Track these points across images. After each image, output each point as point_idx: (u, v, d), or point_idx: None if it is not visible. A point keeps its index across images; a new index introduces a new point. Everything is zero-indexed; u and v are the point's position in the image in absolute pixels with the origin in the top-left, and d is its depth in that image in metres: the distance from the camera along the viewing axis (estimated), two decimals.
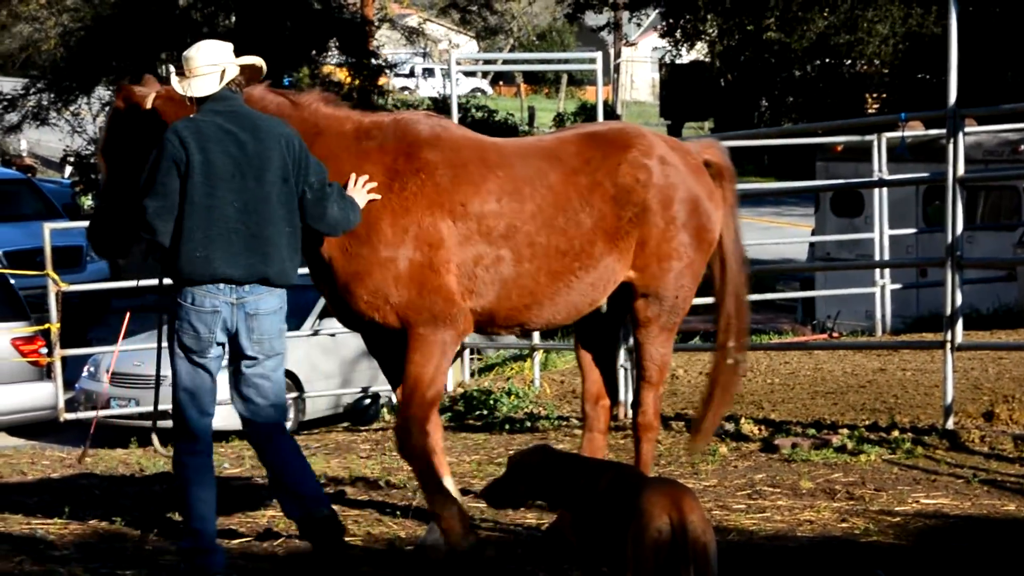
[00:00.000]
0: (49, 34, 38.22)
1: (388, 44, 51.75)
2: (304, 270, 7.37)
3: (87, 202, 34.73)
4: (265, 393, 6.94)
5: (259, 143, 6.76)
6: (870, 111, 41.86)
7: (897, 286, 16.48)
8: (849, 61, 41.47)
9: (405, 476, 9.43)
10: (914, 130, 16.25)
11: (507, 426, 11.41)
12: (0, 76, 43.72)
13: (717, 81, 46.66)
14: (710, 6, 38.02)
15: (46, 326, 13.90)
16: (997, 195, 19.03)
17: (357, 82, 38.88)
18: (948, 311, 10.11)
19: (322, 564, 7.12)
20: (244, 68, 6.99)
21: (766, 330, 18.02)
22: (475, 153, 7.30)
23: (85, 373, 17.68)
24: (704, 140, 8.11)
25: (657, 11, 46.59)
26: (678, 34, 42.10)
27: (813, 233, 21.57)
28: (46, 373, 15.42)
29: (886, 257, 16.00)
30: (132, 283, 10.38)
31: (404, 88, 62.47)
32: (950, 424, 10.06)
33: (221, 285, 6.73)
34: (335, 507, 8.24)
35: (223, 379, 6.97)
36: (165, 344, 7.02)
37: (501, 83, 73.44)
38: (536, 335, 13.09)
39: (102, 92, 35.76)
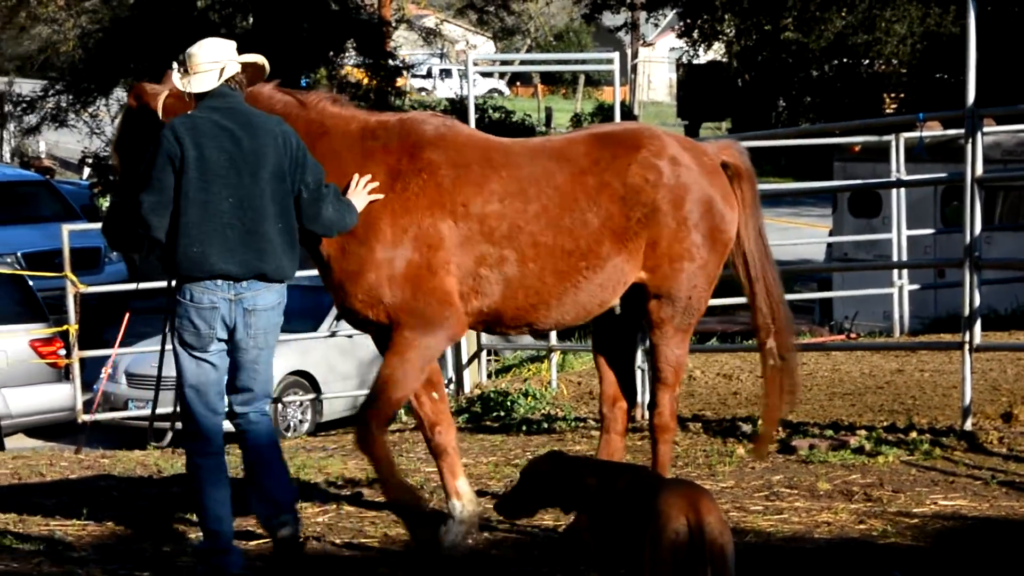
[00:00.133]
0: (68, 36, 38.34)
1: (405, 45, 51.82)
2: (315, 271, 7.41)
3: (105, 204, 34.81)
4: (255, 383, 7.00)
5: (254, 140, 6.79)
6: (888, 111, 41.75)
7: (915, 287, 16.45)
8: (867, 61, 41.35)
9: (422, 478, 9.44)
10: (932, 130, 16.20)
11: (524, 427, 11.41)
12: (19, 78, 43.87)
13: (734, 81, 46.59)
14: (727, 6, 37.94)
15: (64, 328, 13.94)
16: (1016, 195, 18.97)
17: (374, 83, 38.92)
18: (966, 312, 10.09)
19: (340, 565, 7.13)
20: (247, 66, 7.02)
21: None
22: (480, 153, 7.31)
23: (102, 375, 17.73)
24: (723, 141, 8.09)
25: (674, 11, 46.50)
26: (695, 34, 42.00)
27: (831, 234, 21.54)
28: (64, 375, 15.46)
29: (904, 258, 15.96)
30: (133, 286, 10.39)
31: (422, 89, 62.54)
32: (968, 425, 10.03)
33: (219, 281, 6.77)
34: (352, 508, 8.27)
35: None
36: (169, 347, 7.06)
37: (518, 84, 73.45)
38: (553, 336, 13.09)
39: (120, 94, 35.83)
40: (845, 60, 41.31)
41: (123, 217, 7.15)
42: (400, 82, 41.05)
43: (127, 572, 7.10)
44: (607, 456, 7.70)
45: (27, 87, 40.76)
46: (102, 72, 34.64)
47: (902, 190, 15.93)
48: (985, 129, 10.47)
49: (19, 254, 23.03)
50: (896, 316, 15.93)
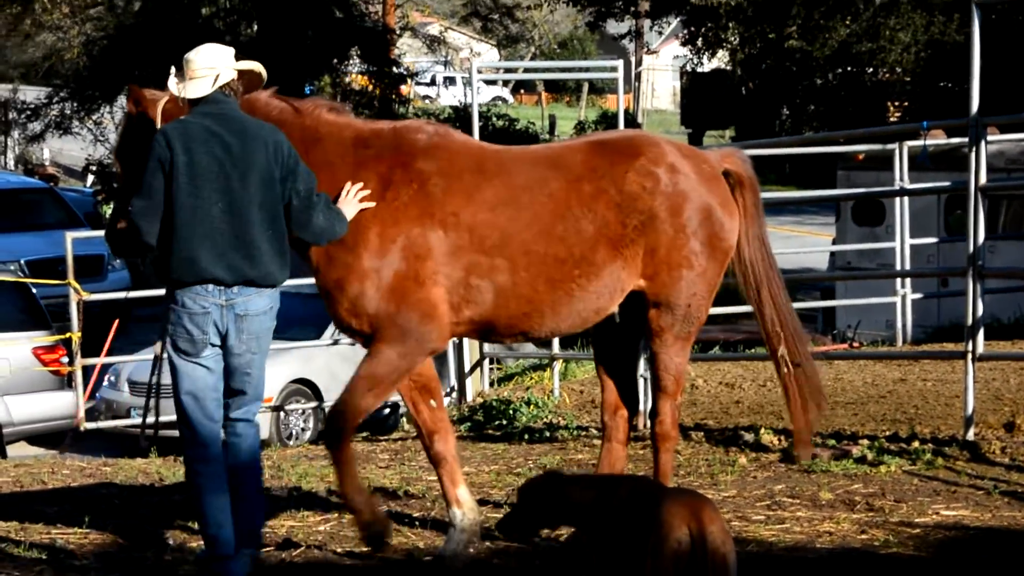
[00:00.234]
0: (72, 43, 38.37)
1: (409, 52, 51.81)
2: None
3: (108, 211, 34.85)
4: (247, 387, 7.03)
5: (245, 146, 6.82)
6: (892, 119, 41.76)
7: (918, 296, 16.43)
8: (871, 69, 41.37)
9: (424, 486, 9.44)
10: (936, 139, 16.21)
11: (526, 436, 11.40)
12: (23, 85, 43.90)
13: (738, 89, 46.63)
14: (732, 14, 37.98)
15: (67, 335, 13.95)
16: (1019, 204, 18.96)
17: (378, 90, 38.96)
18: (969, 321, 10.07)
19: (341, 574, 7.13)
20: (244, 73, 7.05)
21: None
22: (472, 162, 7.32)
23: (105, 383, 17.74)
24: (725, 149, 8.08)
25: (678, 19, 46.63)
26: (699, 42, 42.04)
27: (834, 242, 21.54)
28: (67, 382, 15.47)
29: (907, 266, 15.95)
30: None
31: (426, 96, 62.59)
32: (971, 435, 10.02)
33: (210, 287, 6.80)
34: (353, 516, 8.26)
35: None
36: (164, 354, 7.09)
37: (522, 91, 73.50)
38: (556, 345, 13.08)
39: (125, 101, 35.89)
40: (849, 68, 41.34)
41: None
42: (404, 90, 41.08)
43: None
44: (609, 465, 7.70)
45: (31, 94, 40.82)
46: (106, 79, 34.71)
47: (905, 199, 15.91)
48: (989, 138, 10.46)
49: (23, 261, 23.05)
50: (899, 325, 15.91)
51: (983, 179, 10.01)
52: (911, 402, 11.96)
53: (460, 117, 41.77)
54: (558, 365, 13.23)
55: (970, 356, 10.05)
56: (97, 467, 11.31)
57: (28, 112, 40.14)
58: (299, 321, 15.06)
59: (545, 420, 11.86)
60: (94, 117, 38.11)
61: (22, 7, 37.72)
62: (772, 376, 13.34)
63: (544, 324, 7.39)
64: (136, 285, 22.62)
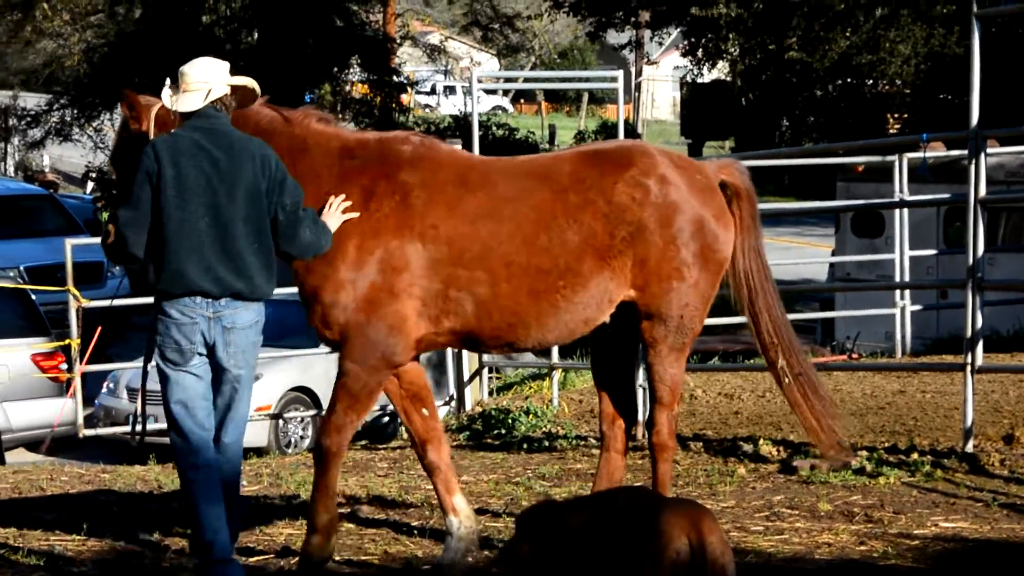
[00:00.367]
0: (73, 50, 38.40)
1: (410, 61, 51.81)
2: None
3: (107, 217, 34.87)
4: (233, 402, 7.05)
5: (232, 161, 6.86)
6: (892, 131, 41.80)
7: (917, 307, 16.43)
8: (871, 81, 41.40)
9: (423, 495, 9.43)
10: (935, 151, 16.22)
11: (525, 445, 11.40)
12: (23, 92, 43.96)
13: (738, 100, 46.66)
14: (732, 25, 37.99)
15: (66, 342, 13.94)
16: (1019, 216, 18.98)
17: (378, 99, 38.98)
18: (968, 333, 10.07)
19: None
20: (236, 88, 7.08)
21: None
22: (456, 174, 7.34)
23: (104, 389, 17.74)
24: (723, 160, 8.08)
25: (679, 30, 46.58)
26: (699, 53, 42.03)
27: (833, 253, 21.55)
28: (66, 389, 15.47)
29: (906, 278, 15.95)
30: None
31: (426, 106, 62.64)
32: (970, 447, 10.02)
33: (197, 299, 6.85)
34: (351, 525, 8.26)
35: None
36: (152, 364, 7.12)
37: (522, 101, 73.55)
38: (555, 354, 13.08)
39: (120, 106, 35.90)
40: (849, 80, 41.39)
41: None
42: (406, 100, 41.11)
43: None
44: (607, 474, 7.70)
45: (32, 101, 40.87)
46: (106, 87, 34.71)
47: (905, 210, 15.92)
48: (988, 150, 10.47)
49: (22, 268, 23.05)
50: (898, 337, 15.92)
51: (983, 191, 10.02)
52: (910, 414, 11.96)
53: (460, 126, 41.82)
54: (557, 375, 13.22)
55: (969, 368, 10.05)
56: (96, 474, 11.31)
57: (28, 119, 40.16)
58: (298, 329, 15.04)
59: (544, 430, 11.86)
60: (94, 124, 38.15)
61: (23, 14, 37.75)
62: (771, 387, 13.35)
63: (530, 335, 7.39)
64: (135, 292, 22.63)
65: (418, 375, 7.65)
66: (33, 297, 17.20)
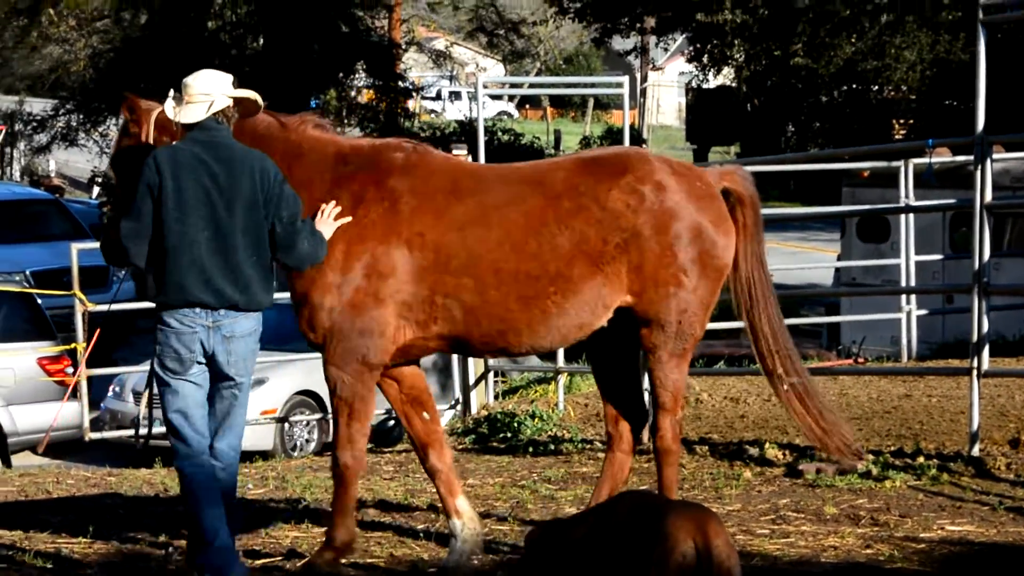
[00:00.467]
0: (79, 56, 38.48)
1: (415, 67, 51.89)
2: None
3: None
4: (231, 411, 7.09)
5: (231, 174, 6.93)
6: (897, 137, 41.78)
7: (923, 312, 16.42)
8: (876, 87, 41.43)
9: (428, 498, 9.43)
10: (941, 156, 16.21)
11: (531, 449, 11.40)
12: (30, 97, 44.00)
13: (744, 106, 46.64)
14: (737, 31, 38.03)
15: (72, 345, 13.95)
16: None
17: (383, 104, 39.01)
18: (974, 337, 10.07)
19: None
20: (239, 101, 7.12)
21: None
22: (447, 182, 7.38)
23: (110, 393, 17.75)
24: (726, 167, 8.06)
25: (684, 36, 46.64)
26: (705, 59, 42.11)
27: (839, 258, 21.52)
28: (72, 393, 15.48)
29: (912, 283, 15.94)
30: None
31: (431, 111, 62.66)
32: (976, 451, 10.01)
33: (197, 309, 6.92)
34: (358, 528, 8.26)
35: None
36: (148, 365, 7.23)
37: (527, 106, 73.56)
38: (561, 358, 13.08)
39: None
40: (854, 86, 41.40)
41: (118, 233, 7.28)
42: (413, 106, 41.12)
43: None
44: (611, 474, 7.71)
45: (38, 106, 40.91)
46: (112, 92, 34.73)
47: (911, 216, 15.91)
48: (994, 156, 10.47)
49: (28, 272, 23.05)
50: (904, 341, 15.90)
51: (988, 197, 10.02)
52: (916, 418, 11.95)
53: (465, 132, 41.81)
54: (563, 378, 13.22)
55: (975, 372, 10.05)
56: (102, 477, 11.32)
57: (34, 124, 40.22)
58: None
59: (549, 433, 11.86)
60: (100, 129, 38.21)
61: (29, 20, 37.82)
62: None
63: (522, 341, 7.40)
64: (141, 297, 22.63)
65: (418, 379, 7.68)
66: (39, 301, 17.21)
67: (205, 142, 6.96)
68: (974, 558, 7.76)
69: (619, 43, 56.50)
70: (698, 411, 12.59)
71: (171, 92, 7.14)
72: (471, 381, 13.34)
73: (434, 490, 9.41)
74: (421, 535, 8.30)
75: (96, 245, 18.07)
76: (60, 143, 39.77)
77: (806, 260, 30.36)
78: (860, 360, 16.63)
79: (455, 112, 59.90)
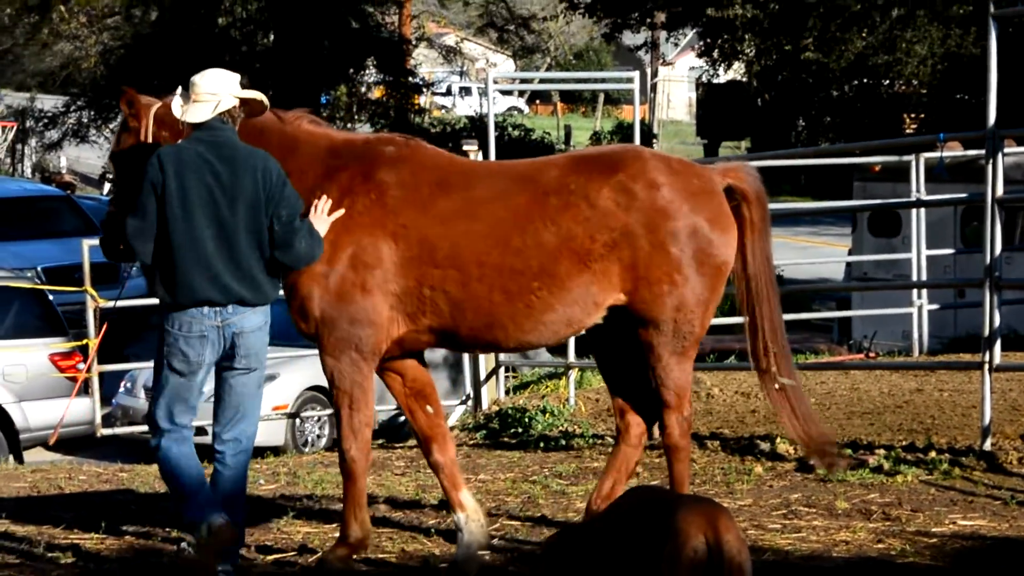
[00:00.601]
0: (89, 52, 38.53)
1: (425, 63, 51.89)
2: None
3: None
4: (242, 405, 7.13)
5: (234, 174, 6.97)
6: (908, 131, 41.73)
7: (935, 306, 16.40)
8: (887, 81, 41.35)
9: (440, 494, 9.43)
10: (952, 150, 16.19)
11: (542, 444, 11.40)
12: (41, 94, 44.11)
13: (754, 101, 46.63)
14: (748, 26, 37.97)
15: (84, 342, 13.97)
16: None
17: (393, 100, 39.02)
18: (986, 332, 10.06)
19: None
20: (245, 101, 7.18)
21: (802, 350, 17.95)
22: (436, 175, 7.41)
23: (122, 389, 17.78)
24: (731, 164, 7.99)
25: (694, 31, 46.56)
26: (715, 54, 42.03)
27: (850, 253, 21.52)
28: (83, 388, 15.51)
29: (924, 277, 15.92)
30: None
31: (442, 107, 62.66)
32: (988, 445, 10.00)
33: (205, 309, 6.96)
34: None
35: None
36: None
37: (538, 102, 73.56)
38: (571, 353, 13.08)
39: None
40: (865, 80, 41.34)
41: (115, 228, 7.36)
42: (425, 102, 41.12)
43: None
44: (616, 465, 7.72)
45: (49, 103, 41.01)
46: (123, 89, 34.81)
47: (922, 210, 15.89)
48: (1006, 149, 10.45)
49: (39, 268, 23.08)
50: (915, 336, 15.89)
51: (1000, 191, 10.00)
52: (928, 412, 11.94)
53: (476, 127, 41.81)
54: (574, 374, 13.23)
55: (987, 367, 10.04)
56: (114, 473, 11.35)
57: (45, 120, 40.32)
58: None
59: (561, 428, 11.87)
60: (111, 126, 38.22)
61: (40, 16, 37.88)
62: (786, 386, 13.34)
63: (508, 335, 7.41)
64: (152, 293, 22.67)
65: (421, 372, 7.70)
66: (51, 297, 17.24)
67: (209, 141, 7.01)
68: (986, 552, 7.76)
69: (629, 38, 56.45)
70: (709, 406, 12.59)
71: (178, 90, 7.19)
72: (482, 376, 13.35)
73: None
74: (432, 531, 8.31)
75: None
76: (71, 140, 39.86)
77: (817, 255, 30.32)
78: (871, 355, 16.61)
79: (465, 108, 59.90)
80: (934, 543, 7.89)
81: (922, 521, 8.39)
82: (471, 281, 7.27)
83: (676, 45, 63.81)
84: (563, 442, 11.39)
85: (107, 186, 40.11)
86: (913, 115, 42.66)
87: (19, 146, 44.22)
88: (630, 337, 7.53)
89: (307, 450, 15.90)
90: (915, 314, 15.93)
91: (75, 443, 16.29)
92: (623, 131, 52.46)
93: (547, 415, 12.06)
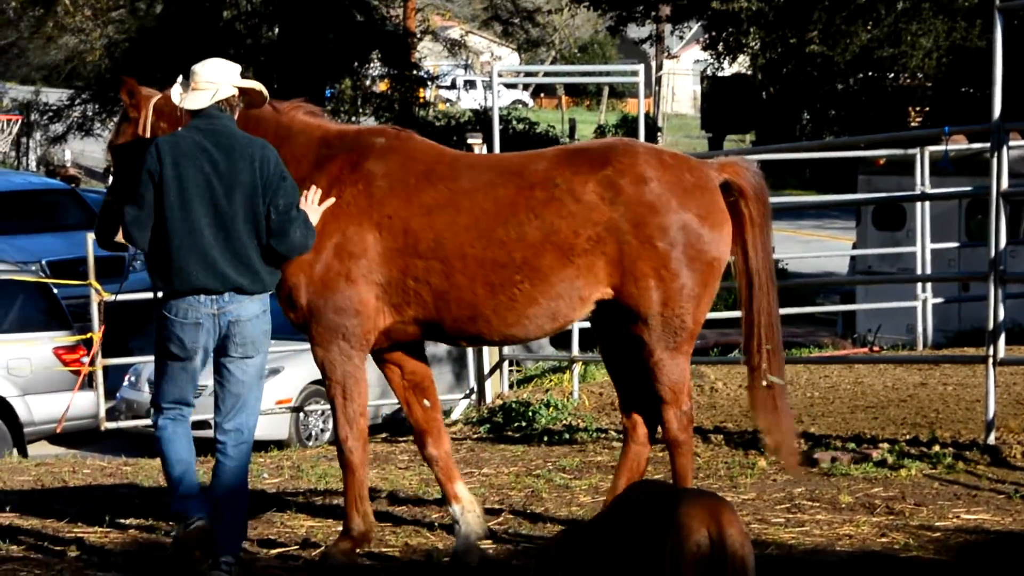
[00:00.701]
0: (94, 46, 38.53)
1: (430, 56, 51.86)
2: None
3: None
4: (241, 393, 7.14)
5: (230, 162, 7.00)
6: (913, 124, 41.68)
7: (939, 300, 16.39)
8: (892, 74, 41.29)
9: None
10: (957, 144, 16.15)
11: (546, 438, 11.40)
12: (45, 87, 44.11)
13: (759, 94, 46.55)
14: (753, 19, 37.91)
15: (88, 335, 13.97)
16: None
17: (398, 94, 39.02)
18: (990, 325, 10.05)
19: (361, 575, 7.15)
20: (244, 91, 7.23)
21: (806, 344, 17.95)
22: (423, 167, 7.42)
23: (126, 383, 17.79)
24: (728, 158, 7.87)
25: (699, 24, 46.52)
26: (720, 47, 41.99)
27: (855, 246, 21.49)
28: (88, 382, 15.52)
29: (928, 271, 15.91)
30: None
31: (446, 100, 62.65)
32: (991, 439, 9.99)
33: (201, 297, 6.99)
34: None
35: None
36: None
37: (542, 95, 73.50)
38: (575, 347, 13.08)
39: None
40: (870, 73, 41.26)
41: (111, 217, 7.43)
42: (431, 95, 41.09)
43: None
44: (627, 467, 7.67)
45: (53, 96, 41.01)
46: None
47: (927, 203, 15.88)
48: (1011, 143, 10.44)
49: (44, 262, 23.09)
50: (920, 329, 15.87)
51: (1005, 184, 9.99)
52: (932, 406, 11.93)
53: (480, 120, 41.80)
54: (577, 367, 13.22)
55: (991, 360, 10.03)
56: (118, 467, 11.36)
57: (50, 114, 40.31)
58: None
59: (564, 422, 11.87)
60: (115, 119, 38.23)
61: (44, 9, 37.88)
62: (792, 379, 13.33)
63: (492, 328, 7.40)
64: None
65: (420, 366, 7.72)
66: (55, 291, 17.25)
67: (207, 130, 7.04)
68: (990, 546, 7.76)
69: (634, 31, 56.45)
70: (713, 400, 12.59)
71: (179, 78, 7.22)
72: (486, 370, 13.35)
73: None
74: (436, 525, 8.32)
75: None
76: (76, 133, 39.87)
77: (821, 248, 30.32)
78: (876, 348, 16.60)
79: (470, 101, 59.90)
80: (938, 537, 7.89)
81: (926, 515, 8.38)
82: (454, 273, 7.28)
83: (681, 38, 63.80)
84: (567, 436, 11.39)
85: (111, 179, 40.15)
86: (918, 108, 42.60)
87: (24, 139, 44.23)
88: (622, 333, 7.51)
89: (311, 444, 15.90)
90: (919, 308, 15.91)
91: (79, 437, 16.30)
92: (627, 124, 52.38)
93: (551, 409, 12.05)
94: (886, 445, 10.09)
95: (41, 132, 43.05)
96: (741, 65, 47.94)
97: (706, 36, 44.00)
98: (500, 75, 13.94)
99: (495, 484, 9.59)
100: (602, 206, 7.27)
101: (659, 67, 60.38)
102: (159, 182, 6.94)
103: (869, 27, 37.03)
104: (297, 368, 16.72)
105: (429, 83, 42.98)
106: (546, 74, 38.42)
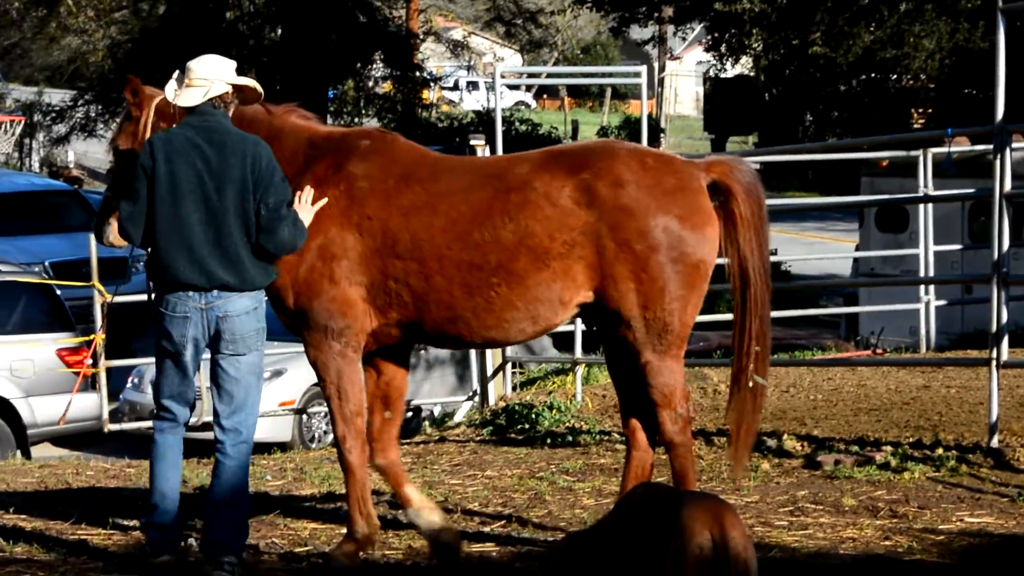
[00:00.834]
0: (97, 46, 38.55)
1: (433, 57, 51.85)
2: None
3: None
4: (234, 391, 7.16)
5: (222, 159, 7.05)
6: (916, 126, 41.69)
7: (942, 302, 16.37)
8: (895, 76, 41.29)
9: (447, 489, 9.44)
10: (960, 145, 16.15)
11: (549, 440, 11.40)
12: (48, 88, 44.12)
13: (762, 95, 46.51)
14: (755, 20, 37.90)
15: (91, 337, 13.98)
16: None
17: (400, 95, 39.02)
18: (994, 328, 10.05)
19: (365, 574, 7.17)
20: (239, 88, 7.26)
21: (809, 346, 17.94)
22: (404, 168, 7.44)
23: (129, 384, 17.79)
24: (718, 158, 7.76)
25: (702, 25, 46.50)
26: (723, 48, 41.97)
27: (857, 248, 21.49)
28: (91, 384, 15.54)
29: (931, 273, 15.90)
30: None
31: (449, 101, 62.65)
32: (995, 442, 9.98)
33: (190, 292, 7.06)
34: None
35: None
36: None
37: (545, 96, 73.51)
38: (578, 349, 13.08)
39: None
40: (873, 75, 41.26)
41: (109, 214, 7.48)
42: (436, 97, 41.09)
43: None
44: (632, 473, 7.63)
45: (56, 97, 41.02)
46: None
47: (929, 205, 15.87)
48: (1014, 145, 10.44)
49: (47, 263, 23.12)
50: (923, 332, 15.86)
51: (1008, 186, 9.99)
52: (935, 409, 11.93)
53: (483, 122, 41.80)
54: (580, 370, 13.22)
55: (994, 363, 10.02)
56: (121, 468, 11.36)
57: (53, 115, 40.33)
58: None
59: (567, 424, 11.86)
60: (118, 120, 38.26)
61: (48, 10, 37.90)
62: (795, 382, 13.34)
63: (472, 331, 7.40)
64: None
65: (397, 375, 7.77)
66: (58, 292, 17.27)
67: (199, 126, 7.09)
68: (993, 549, 7.75)
69: (637, 32, 56.41)
70: (716, 402, 12.58)
71: (175, 74, 7.25)
72: (489, 372, 13.35)
73: (452, 481, 9.51)
74: None
75: None
76: (79, 134, 39.87)
77: (824, 250, 30.31)
78: (879, 351, 16.59)
79: (472, 102, 59.90)
80: (941, 540, 7.88)
81: (929, 518, 8.38)
82: (432, 274, 7.31)
83: (683, 39, 63.83)
84: (570, 438, 11.38)
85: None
86: (921, 110, 42.62)
87: (27, 140, 44.27)
88: (610, 337, 7.49)
89: (314, 446, 15.90)
90: (922, 310, 15.90)
91: (82, 439, 16.31)
92: (630, 126, 52.38)
93: (554, 411, 12.05)
94: (889, 448, 10.08)
95: (44, 133, 43.08)
96: (744, 66, 47.93)
97: (709, 37, 44.00)
98: (503, 76, 13.94)
99: (498, 486, 9.58)
100: (578, 210, 7.25)
101: (662, 68, 60.36)
102: (151, 178, 7.01)
103: (872, 28, 37.01)
104: (300, 370, 16.70)
105: (432, 84, 42.96)
106: (549, 75, 38.47)
